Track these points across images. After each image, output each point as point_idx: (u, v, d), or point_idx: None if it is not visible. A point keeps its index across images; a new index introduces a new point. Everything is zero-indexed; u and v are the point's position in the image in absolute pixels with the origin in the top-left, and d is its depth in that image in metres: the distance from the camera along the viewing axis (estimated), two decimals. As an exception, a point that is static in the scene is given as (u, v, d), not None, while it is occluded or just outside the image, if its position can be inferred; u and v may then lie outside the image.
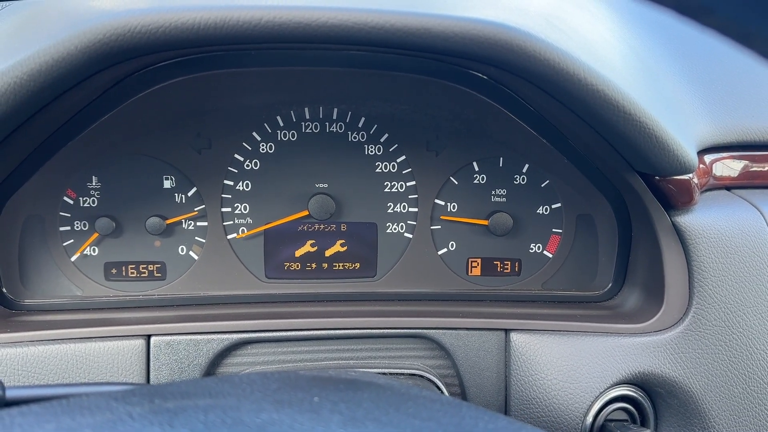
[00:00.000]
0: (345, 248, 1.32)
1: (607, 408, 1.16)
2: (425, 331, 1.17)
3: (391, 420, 0.63)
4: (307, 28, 0.84)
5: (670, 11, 0.36)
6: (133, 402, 0.62)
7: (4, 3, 1.20)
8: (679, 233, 1.14)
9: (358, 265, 1.33)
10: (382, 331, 1.17)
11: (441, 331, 1.17)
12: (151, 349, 1.10)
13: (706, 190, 1.25)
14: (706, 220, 1.14)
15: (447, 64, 1.04)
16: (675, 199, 1.13)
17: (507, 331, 1.16)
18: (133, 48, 0.84)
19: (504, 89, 1.10)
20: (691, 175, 1.11)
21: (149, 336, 1.11)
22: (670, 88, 1.20)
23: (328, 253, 1.32)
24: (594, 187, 1.24)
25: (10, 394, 0.74)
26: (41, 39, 0.90)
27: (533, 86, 0.97)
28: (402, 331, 1.17)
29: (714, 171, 1.25)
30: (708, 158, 1.23)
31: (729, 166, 1.28)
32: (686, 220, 1.13)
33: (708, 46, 1.30)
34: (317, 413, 0.62)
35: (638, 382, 1.16)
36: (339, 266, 1.33)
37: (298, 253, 1.31)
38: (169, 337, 1.11)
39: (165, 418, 0.57)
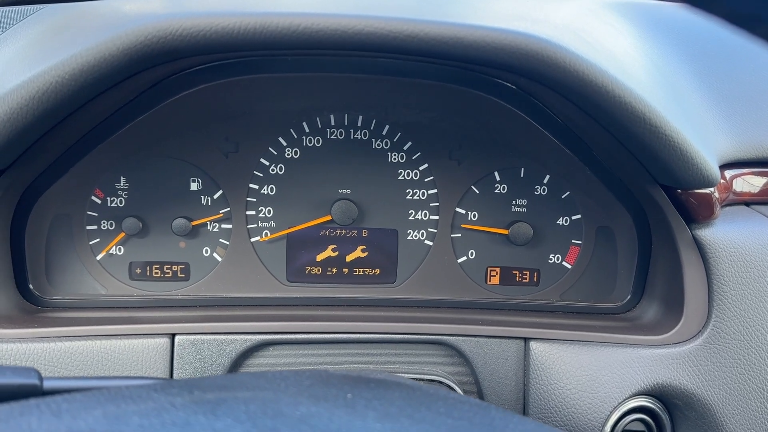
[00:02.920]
0: (366, 254, 1.33)
1: (624, 419, 1.16)
2: (445, 337, 1.18)
3: (424, 417, 0.64)
4: (343, 35, 0.86)
5: (720, 20, 0.38)
6: (173, 393, 0.63)
7: (41, 5, 1.23)
8: (699, 247, 1.15)
9: (378, 270, 1.34)
10: (401, 336, 1.18)
11: (460, 338, 1.18)
12: (175, 348, 1.12)
13: (726, 205, 1.26)
14: (726, 235, 1.15)
15: (475, 72, 1.06)
16: (696, 212, 1.14)
17: (526, 339, 1.17)
18: (173, 51, 0.87)
19: (531, 99, 1.12)
20: (712, 189, 1.13)
21: (174, 335, 1.12)
22: (692, 102, 1.22)
23: (349, 258, 1.33)
24: (615, 199, 1.26)
25: (47, 384, 0.76)
26: (82, 40, 0.92)
27: (560, 96, 0.99)
28: (422, 337, 1.18)
29: (734, 186, 1.26)
30: (728, 173, 1.25)
31: (749, 182, 1.29)
32: (707, 234, 1.15)
33: (730, 62, 1.31)
34: (353, 408, 0.63)
35: (656, 393, 1.16)
36: (359, 271, 1.34)
37: (320, 257, 1.33)
38: (193, 337, 1.13)
39: (208, 407, 0.58)
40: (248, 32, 0.86)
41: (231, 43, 0.86)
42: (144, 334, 1.12)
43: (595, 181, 1.24)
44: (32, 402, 0.60)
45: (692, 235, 1.15)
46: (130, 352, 1.10)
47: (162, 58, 0.88)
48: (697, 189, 1.10)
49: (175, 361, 1.12)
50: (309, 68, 1.10)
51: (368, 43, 0.87)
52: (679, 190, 1.12)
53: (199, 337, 1.13)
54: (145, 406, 0.59)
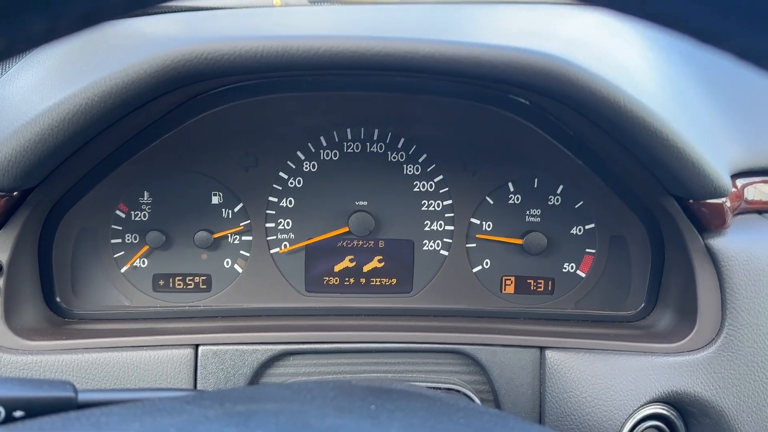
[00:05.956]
0: (382, 264, 1.36)
1: (639, 426, 1.18)
2: (461, 346, 1.20)
3: (446, 429, 0.67)
4: (362, 57, 0.89)
5: (691, 39, 0.40)
6: (205, 405, 0.66)
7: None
8: (712, 255, 1.17)
9: (394, 280, 1.37)
10: (418, 345, 1.21)
11: (477, 347, 1.20)
12: (199, 358, 1.15)
13: (738, 214, 1.27)
14: (738, 244, 1.17)
15: (489, 89, 1.09)
16: (708, 222, 1.16)
17: (542, 348, 1.19)
18: (198, 73, 0.90)
19: (544, 113, 1.14)
20: (724, 198, 1.15)
21: (197, 345, 1.16)
22: (703, 112, 1.24)
23: (366, 268, 1.36)
24: (628, 209, 1.28)
25: (81, 397, 0.79)
26: (110, 63, 0.96)
27: (573, 111, 1.01)
28: (438, 346, 1.21)
29: (746, 195, 1.28)
30: (740, 182, 1.26)
31: (761, 190, 1.31)
32: (719, 243, 1.16)
33: (739, 73, 1.33)
34: (377, 420, 0.66)
35: (671, 401, 1.18)
36: (376, 281, 1.37)
37: (337, 268, 1.36)
38: (216, 347, 1.16)
39: (240, 419, 0.61)
40: (270, 55, 0.89)
41: (254, 65, 0.90)
42: (168, 345, 1.15)
43: (607, 192, 1.26)
44: (72, 415, 0.63)
45: (705, 244, 1.17)
46: (156, 362, 1.14)
47: (187, 80, 0.92)
48: (708, 199, 1.12)
49: (198, 371, 1.15)
50: (327, 87, 1.13)
51: (385, 64, 0.90)
52: (691, 200, 1.14)
53: (221, 347, 1.16)
54: (180, 418, 0.62)
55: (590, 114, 0.99)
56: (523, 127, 1.17)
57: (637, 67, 1.17)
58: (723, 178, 1.07)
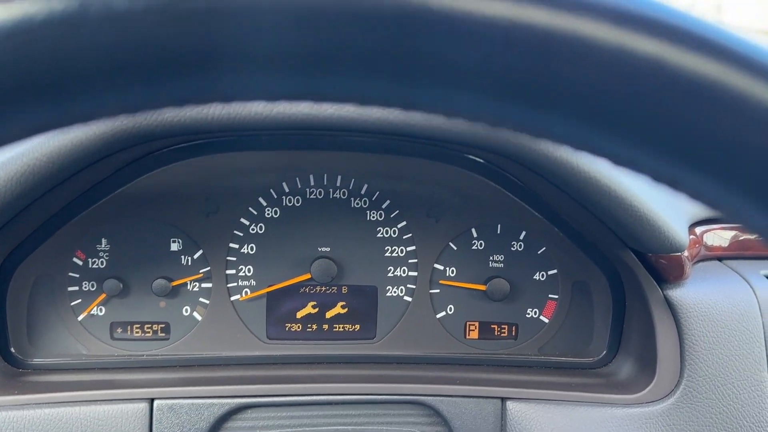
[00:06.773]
0: (345, 310, 1.35)
1: (600, 478, 1.17)
2: (422, 397, 1.19)
3: None
4: (314, 119, 0.88)
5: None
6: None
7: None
8: (671, 306, 1.17)
9: (357, 327, 1.35)
10: (380, 397, 1.20)
11: (438, 398, 1.19)
12: (154, 413, 1.13)
13: (698, 261, 1.28)
14: (697, 294, 1.18)
15: (444, 148, 1.09)
16: (667, 273, 1.16)
17: (503, 399, 1.18)
18: (148, 134, 0.89)
19: (500, 170, 1.14)
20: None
21: (152, 399, 1.13)
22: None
23: (328, 314, 1.35)
24: (588, 259, 1.28)
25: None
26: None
27: (529, 169, 1.01)
28: (400, 397, 1.20)
29: (705, 241, 1.29)
30: (699, 229, 1.28)
31: (720, 236, 1.32)
32: (678, 294, 1.17)
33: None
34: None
35: (631, 452, 1.18)
36: (339, 328, 1.35)
37: (300, 314, 1.34)
38: (171, 401, 1.14)
39: None
40: (222, 117, 0.88)
41: (205, 126, 0.89)
42: (123, 400, 1.13)
43: (567, 242, 1.26)
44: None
45: (664, 295, 1.17)
46: (110, 418, 1.11)
47: (137, 141, 0.91)
48: (666, 253, 1.12)
49: (154, 427, 1.13)
50: (285, 145, 1.12)
51: (338, 126, 0.90)
52: (649, 254, 1.14)
53: (177, 401, 1.14)
54: None
55: (545, 173, 0.99)
56: (481, 183, 1.17)
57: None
58: (680, 234, 1.07)
